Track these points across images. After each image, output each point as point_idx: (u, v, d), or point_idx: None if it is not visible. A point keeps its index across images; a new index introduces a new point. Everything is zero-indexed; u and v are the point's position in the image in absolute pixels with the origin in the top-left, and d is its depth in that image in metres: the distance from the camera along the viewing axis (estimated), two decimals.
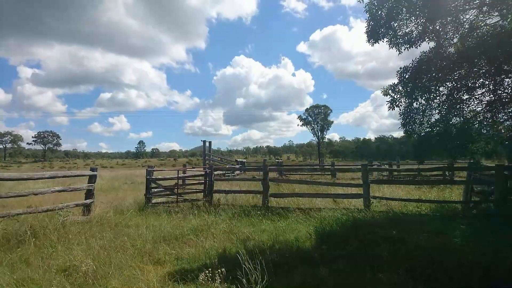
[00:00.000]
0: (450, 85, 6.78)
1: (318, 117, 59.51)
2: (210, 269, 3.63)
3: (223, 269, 3.59)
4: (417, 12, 6.34)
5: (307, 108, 62.13)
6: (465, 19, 6.36)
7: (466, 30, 6.32)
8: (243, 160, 27.43)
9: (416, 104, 6.84)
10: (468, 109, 6.71)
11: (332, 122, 60.92)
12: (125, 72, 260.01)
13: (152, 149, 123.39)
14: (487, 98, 6.67)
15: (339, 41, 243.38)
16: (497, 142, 7.06)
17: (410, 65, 6.86)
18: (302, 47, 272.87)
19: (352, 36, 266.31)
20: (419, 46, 6.82)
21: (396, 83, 6.98)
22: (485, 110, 6.64)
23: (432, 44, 6.82)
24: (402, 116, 6.95)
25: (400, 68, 6.97)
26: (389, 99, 6.97)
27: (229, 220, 6.83)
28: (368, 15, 6.73)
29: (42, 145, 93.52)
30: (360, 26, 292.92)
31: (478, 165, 8.07)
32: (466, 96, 6.71)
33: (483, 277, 3.59)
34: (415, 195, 9.42)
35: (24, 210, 6.14)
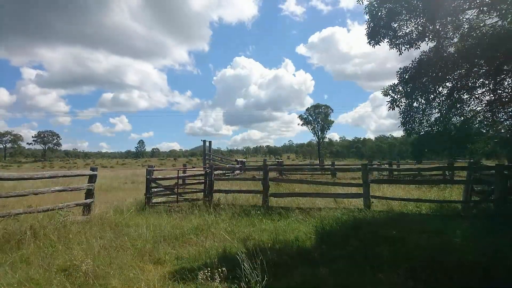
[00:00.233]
0: (450, 85, 6.78)
1: (318, 117, 59.45)
2: (210, 269, 3.63)
3: (223, 269, 3.60)
4: (417, 13, 6.34)
5: (307, 107, 62.12)
6: (465, 19, 6.36)
7: (466, 30, 6.32)
8: (243, 160, 27.40)
9: (416, 104, 6.85)
10: (468, 108, 6.72)
11: (333, 121, 60.90)
12: (128, 73, 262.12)
13: (152, 148, 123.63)
14: (487, 97, 6.68)
15: (337, 43, 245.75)
16: (497, 142, 7.06)
17: (410, 65, 6.87)
18: (301, 49, 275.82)
19: (351, 38, 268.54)
20: (419, 46, 6.83)
21: (396, 83, 6.99)
22: (485, 110, 6.65)
23: (432, 44, 6.83)
24: (402, 115, 6.96)
25: (400, 68, 6.99)
26: (389, 99, 6.98)
27: (229, 220, 6.83)
28: (368, 17, 6.73)
29: (42, 145, 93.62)
30: (358, 28, 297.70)
31: (478, 165, 8.08)
32: (466, 96, 6.72)
33: (483, 277, 3.59)
34: (415, 195, 9.43)
35: (24, 210, 6.14)
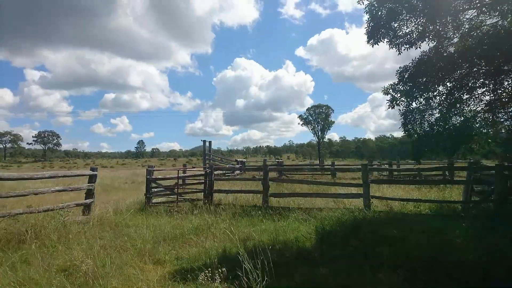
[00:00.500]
0: (450, 84, 6.78)
1: (319, 117, 59.41)
2: (210, 269, 3.63)
3: (223, 269, 3.60)
4: (417, 13, 6.34)
5: (308, 107, 62.08)
6: (465, 19, 6.36)
7: (466, 30, 6.32)
8: (243, 160, 27.40)
9: (416, 103, 6.86)
10: (468, 108, 6.71)
11: (333, 122, 60.83)
12: (131, 75, 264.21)
13: (152, 148, 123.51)
14: (487, 97, 6.67)
15: (336, 45, 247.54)
16: (497, 142, 7.06)
17: (410, 64, 6.87)
18: (300, 52, 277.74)
19: (349, 40, 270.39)
20: (419, 46, 6.83)
21: (396, 82, 6.99)
22: (485, 110, 6.65)
23: (432, 44, 6.82)
24: (402, 116, 6.96)
25: (400, 67, 6.99)
26: (389, 98, 6.98)
27: (229, 220, 6.83)
28: (368, 16, 6.74)
29: (42, 145, 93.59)
30: (356, 31, 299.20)
31: (478, 165, 8.08)
32: (466, 96, 6.71)
33: (483, 277, 3.59)
34: (415, 195, 9.43)
35: (25, 210, 6.14)
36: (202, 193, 9.57)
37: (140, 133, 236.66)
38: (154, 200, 9.47)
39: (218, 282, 3.49)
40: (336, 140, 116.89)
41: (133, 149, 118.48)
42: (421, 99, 6.78)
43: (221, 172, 16.40)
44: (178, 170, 10.78)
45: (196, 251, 4.89)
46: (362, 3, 6.68)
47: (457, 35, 6.52)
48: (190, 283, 3.74)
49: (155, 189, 9.73)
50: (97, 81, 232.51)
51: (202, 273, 3.58)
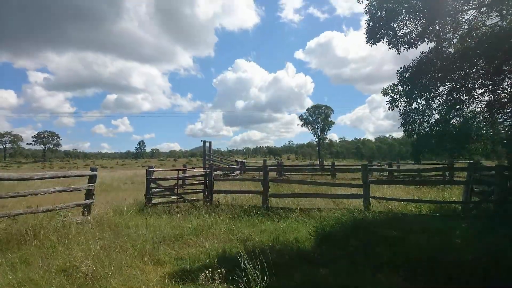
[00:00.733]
0: (450, 85, 6.78)
1: (319, 117, 59.41)
2: (210, 269, 3.63)
3: (223, 269, 3.59)
4: (417, 13, 6.35)
5: (308, 108, 62.05)
6: (464, 20, 6.37)
7: (465, 31, 6.33)
8: (243, 160, 27.40)
9: (416, 104, 6.86)
10: (468, 109, 6.71)
11: (334, 122, 60.82)
12: (134, 76, 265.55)
13: (152, 149, 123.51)
14: (487, 98, 6.67)
15: (335, 48, 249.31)
16: (497, 142, 7.06)
17: (410, 65, 6.87)
18: (299, 55, 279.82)
19: (348, 43, 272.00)
20: (419, 46, 6.85)
21: (395, 83, 6.99)
22: (485, 110, 6.64)
23: (431, 44, 6.83)
24: (402, 116, 6.96)
25: (401, 67, 6.99)
26: (389, 99, 6.97)
27: (229, 221, 6.83)
28: (368, 16, 6.75)
29: (42, 145, 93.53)
30: (354, 34, 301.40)
31: (478, 165, 8.08)
32: (466, 97, 6.71)
33: (483, 277, 3.59)
34: (415, 196, 9.43)
35: (24, 210, 6.14)
36: (202, 193, 9.56)
37: (141, 134, 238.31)
38: (154, 201, 9.46)
39: (218, 282, 3.49)
40: (336, 141, 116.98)
41: (133, 150, 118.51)
42: (421, 100, 6.79)
43: (221, 172, 16.39)
44: (178, 171, 10.76)
45: (196, 252, 4.89)
46: (361, 2, 6.69)
47: (457, 35, 6.54)
48: (190, 283, 3.73)
49: (155, 190, 9.72)
50: (99, 83, 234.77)
51: (202, 274, 3.58)
